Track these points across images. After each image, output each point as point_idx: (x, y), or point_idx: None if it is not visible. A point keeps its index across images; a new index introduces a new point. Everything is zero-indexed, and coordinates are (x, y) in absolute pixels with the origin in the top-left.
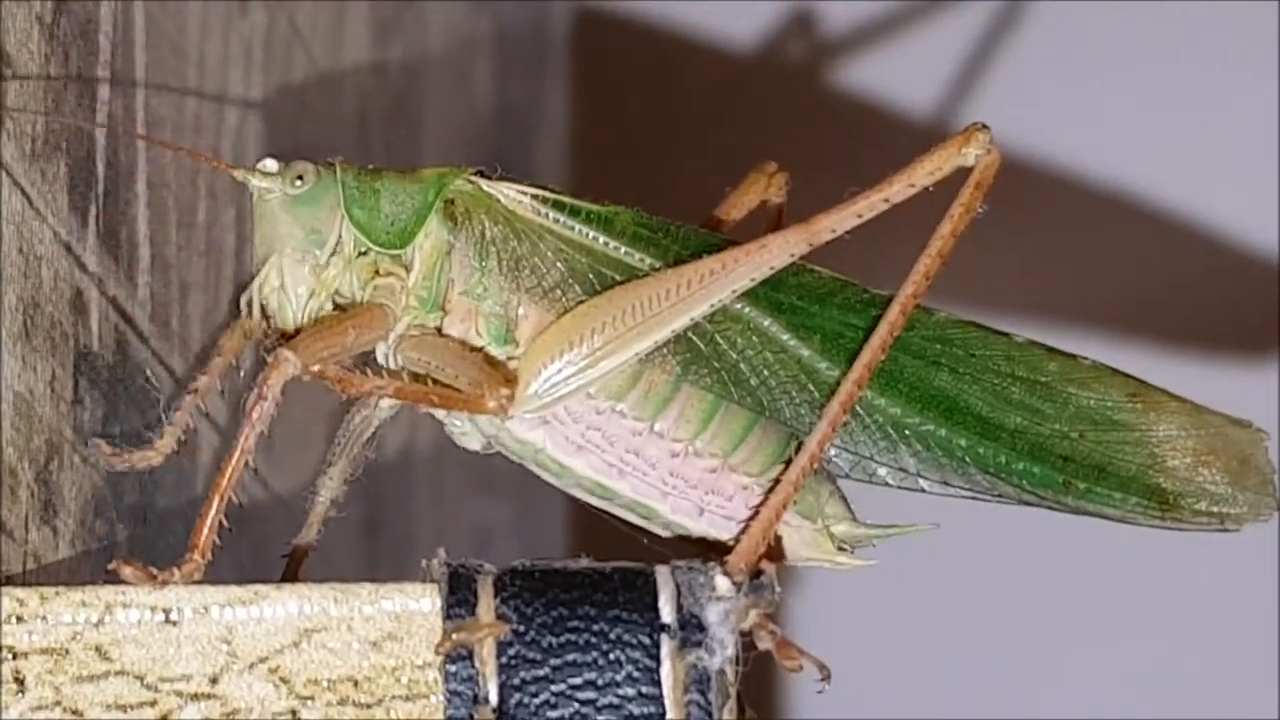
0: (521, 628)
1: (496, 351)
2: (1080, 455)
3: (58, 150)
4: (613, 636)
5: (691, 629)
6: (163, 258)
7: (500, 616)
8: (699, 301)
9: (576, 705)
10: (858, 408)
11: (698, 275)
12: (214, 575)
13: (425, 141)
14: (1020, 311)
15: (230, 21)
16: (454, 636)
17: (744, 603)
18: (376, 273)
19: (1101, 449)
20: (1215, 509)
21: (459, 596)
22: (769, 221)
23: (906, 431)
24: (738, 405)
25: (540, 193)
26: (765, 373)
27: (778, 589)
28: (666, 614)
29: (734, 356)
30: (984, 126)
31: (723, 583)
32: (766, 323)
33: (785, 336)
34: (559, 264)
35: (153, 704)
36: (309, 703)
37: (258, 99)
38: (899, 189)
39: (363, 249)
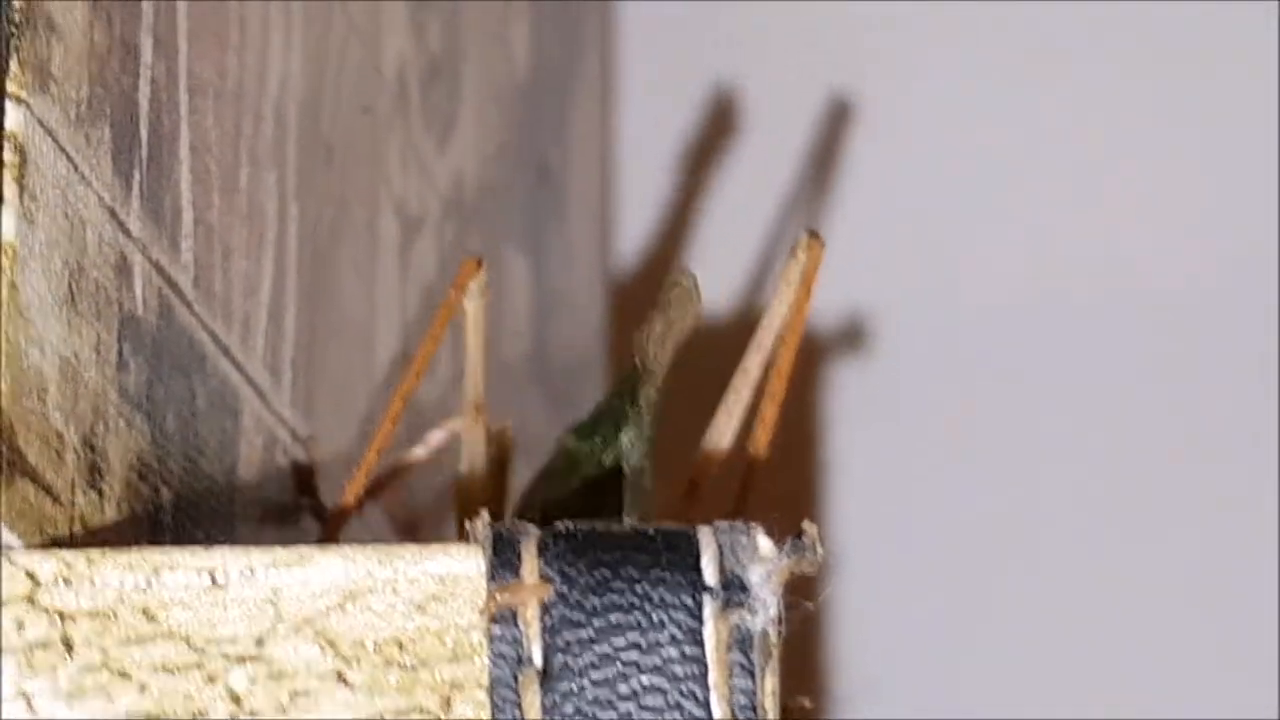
0: (565, 589)
1: None
2: None
3: (102, 115)
4: (656, 597)
5: (734, 589)
6: (205, 222)
7: (544, 578)
8: None
9: (620, 665)
10: None
11: None
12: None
13: (464, 101)
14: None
15: None
16: (498, 598)
17: (786, 563)
18: None
19: None
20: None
21: (503, 558)
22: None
23: None
24: None
25: None
26: None
27: (820, 549)
28: (709, 575)
29: None
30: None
31: (765, 544)
32: None
33: None
34: None
35: (199, 666)
36: (354, 664)
37: (298, 61)
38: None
39: None
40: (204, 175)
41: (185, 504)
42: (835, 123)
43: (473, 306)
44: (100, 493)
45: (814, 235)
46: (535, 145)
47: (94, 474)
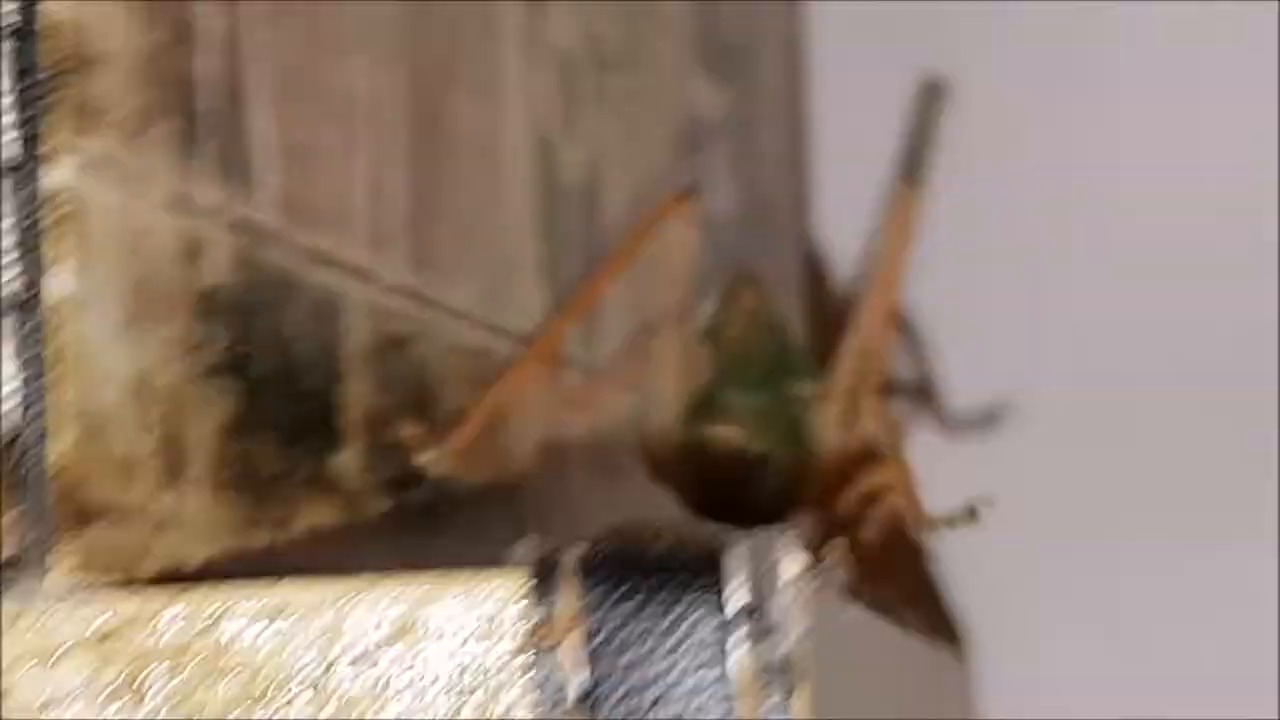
0: (600, 618)
1: None
2: None
3: (156, 111)
4: (685, 625)
5: (760, 618)
6: (288, 143)
7: (582, 608)
8: None
9: (653, 692)
10: None
11: None
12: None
13: None
14: None
15: None
16: (540, 633)
17: (814, 586)
18: None
19: None
20: None
21: (544, 588)
22: None
23: None
24: None
25: None
26: None
27: (847, 573)
28: (732, 605)
29: None
30: None
31: (792, 567)
32: None
33: None
34: None
35: (265, 697)
36: (405, 695)
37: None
38: None
39: None
40: (280, 99)
41: (283, 433)
42: None
43: (680, 236)
44: (185, 481)
45: (905, 182)
46: None
47: (174, 470)
